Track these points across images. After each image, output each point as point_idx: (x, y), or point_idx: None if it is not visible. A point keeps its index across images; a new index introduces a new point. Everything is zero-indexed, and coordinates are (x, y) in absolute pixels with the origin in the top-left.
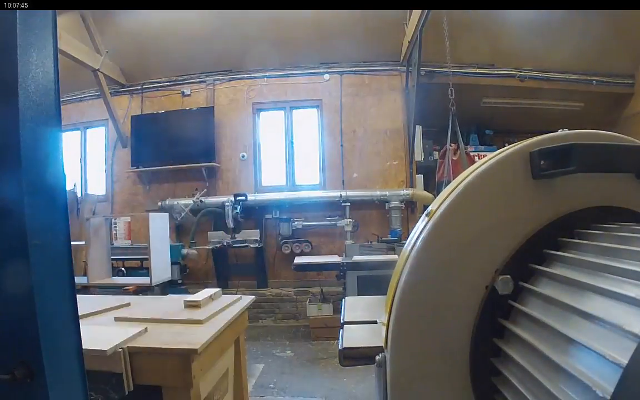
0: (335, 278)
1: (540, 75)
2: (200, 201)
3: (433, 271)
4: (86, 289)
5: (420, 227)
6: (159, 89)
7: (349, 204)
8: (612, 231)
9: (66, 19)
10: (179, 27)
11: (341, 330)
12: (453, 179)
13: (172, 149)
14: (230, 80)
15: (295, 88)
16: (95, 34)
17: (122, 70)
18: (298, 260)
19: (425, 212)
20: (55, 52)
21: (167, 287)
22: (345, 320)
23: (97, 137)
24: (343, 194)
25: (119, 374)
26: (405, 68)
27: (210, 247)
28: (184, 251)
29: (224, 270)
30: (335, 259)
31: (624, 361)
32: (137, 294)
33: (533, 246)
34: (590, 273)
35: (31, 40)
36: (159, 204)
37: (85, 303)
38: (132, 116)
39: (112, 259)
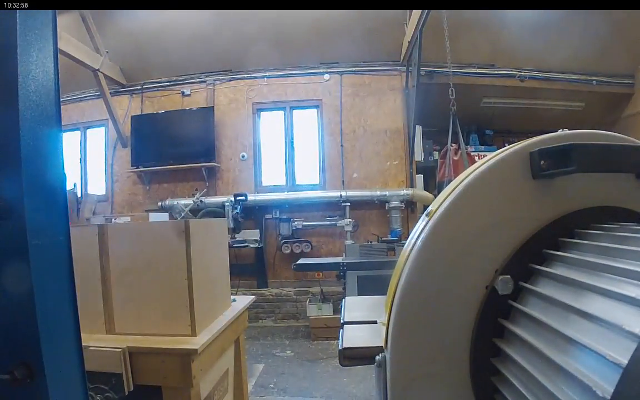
0: (335, 278)
1: (540, 75)
2: (200, 201)
3: (433, 271)
4: None
5: (420, 227)
6: (159, 89)
7: (349, 204)
8: (612, 231)
9: (66, 19)
10: (179, 27)
11: (341, 330)
12: (454, 179)
13: (172, 149)
14: (230, 80)
15: (295, 88)
16: (95, 34)
17: (122, 70)
18: (299, 261)
19: (425, 212)
20: (55, 52)
21: None
22: (345, 320)
23: (97, 137)
24: (343, 194)
25: (119, 374)
26: (405, 68)
27: None
28: None
29: None
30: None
31: (624, 361)
32: None
33: (533, 246)
34: (590, 273)
35: (31, 40)
36: (159, 203)
37: None
38: (132, 116)
39: None
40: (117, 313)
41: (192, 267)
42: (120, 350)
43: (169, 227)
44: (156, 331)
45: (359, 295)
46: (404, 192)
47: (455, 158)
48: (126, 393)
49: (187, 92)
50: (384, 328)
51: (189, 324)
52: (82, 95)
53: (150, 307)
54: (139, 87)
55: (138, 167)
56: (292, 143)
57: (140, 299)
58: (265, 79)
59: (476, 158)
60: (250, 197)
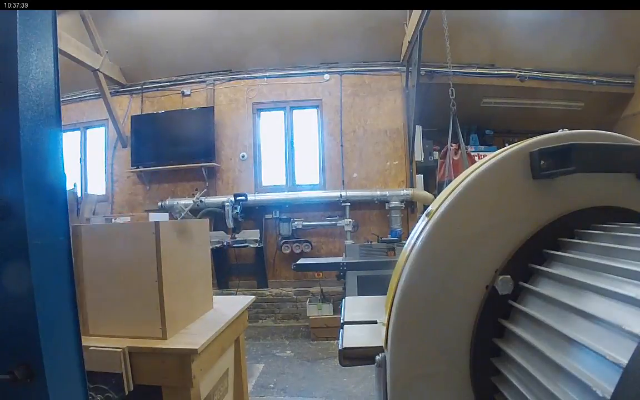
0: (335, 278)
1: (540, 75)
2: (200, 201)
3: (433, 271)
4: None
5: (420, 227)
6: (159, 89)
7: (349, 204)
8: (612, 231)
9: (66, 19)
10: (179, 27)
11: (341, 330)
12: (454, 179)
13: (172, 149)
14: (230, 80)
15: (295, 88)
16: (95, 34)
17: (122, 70)
18: (299, 261)
19: (425, 212)
20: (55, 52)
21: None
22: (345, 320)
23: (97, 137)
24: (343, 194)
25: (119, 374)
26: (405, 68)
27: (210, 247)
28: None
29: (224, 270)
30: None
31: (624, 361)
32: None
33: (533, 246)
34: (590, 273)
35: (31, 40)
36: (159, 203)
37: None
38: (132, 116)
39: None
40: (90, 314)
41: (162, 270)
42: (120, 350)
43: (139, 228)
44: (128, 333)
45: (359, 295)
46: (404, 192)
47: (455, 158)
48: (126, 393)
49: (187, 92)
50: (384, 328)
51: (160, 326)
52: (82, 95)
53: (122, 309)
54: (139, 87)
55: (138, 167)
56: (292, 143)
57: (113, 301)
58: (265, 79)
59: (476, 158)
60: (250, 197)
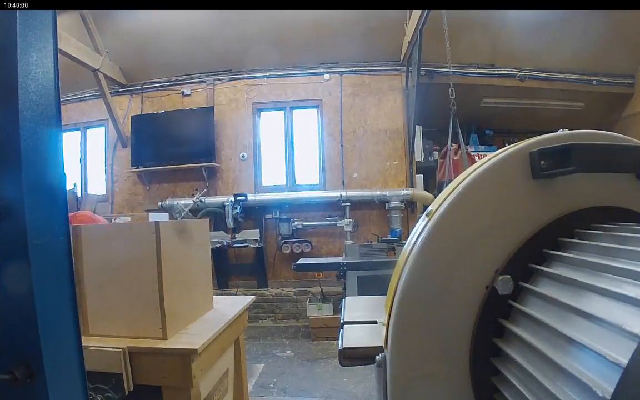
0: (335, 278)
1: (540, 75)
2: (200, 201)
3: (433, 271)
4: None
5: (420, 227)
6: (159, 89)
7: (349, 204)
8: (612, 231)
9: (66, 19)
10: (179, 27)
11: (341, 330)
12: (454, 179)
13: (172, 149)
14: (230, 80)
15: (295, 88)
16: (95, 34)
17: (122, 70)
18: (299, 261)
19: (425, 212)
20: (55, 52)
21: None
22: (345, 320)
23: (97, 137)
24: (343, 194)
25: (119, 374)
26: (405, 68)
27: (210, 247)
28: None
29: (224, 270)
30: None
31: (624, 361)
32: None
33: (533, 246)
34: (590, 273)
35: (31, 40)
36: (159, 203)
37: None
38: (132, 116)
39: None
40: (90, 314)
41: (162, 270)
42: (120, 350)
43: (139, 228)
44: (128, 333)
45: (359, 295)
46: (404, 192)
47: (455, 158)
48: (126, 393)
49: (187, 92)
50: (384, 328)
51: (160, 326)
52: (82, 95)
53: (122, 309)
54: (139, 87)
55: (138, 167)
56: (292, 143)
57: (113, 301)
58: (265, 79)
59: (476, 158)
60: (250, 197)
